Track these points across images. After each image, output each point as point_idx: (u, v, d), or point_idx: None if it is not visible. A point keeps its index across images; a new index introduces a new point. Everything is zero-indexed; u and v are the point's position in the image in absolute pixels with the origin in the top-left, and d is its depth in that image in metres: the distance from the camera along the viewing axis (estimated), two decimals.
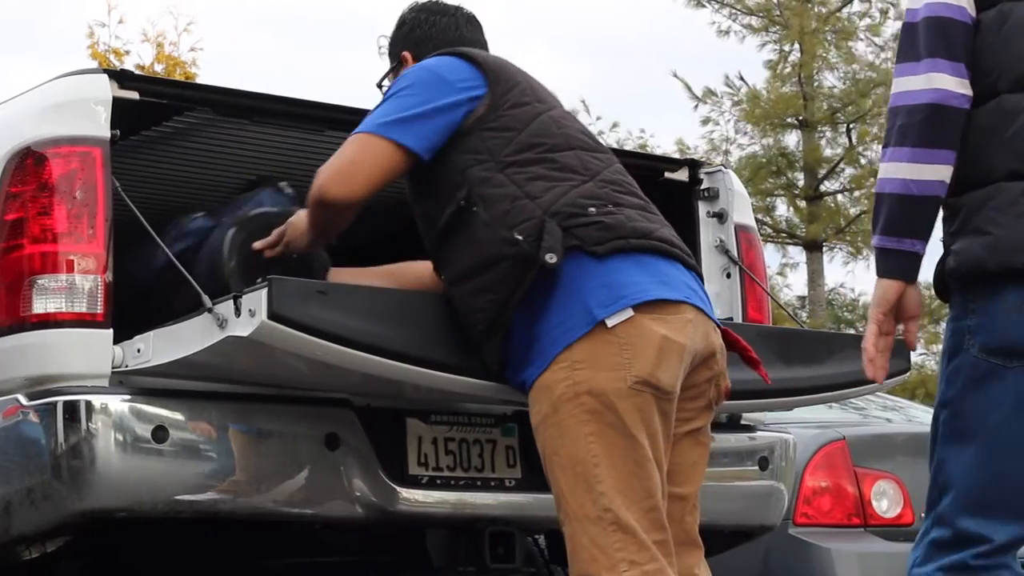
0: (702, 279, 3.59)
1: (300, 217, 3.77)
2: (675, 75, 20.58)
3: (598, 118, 20.25)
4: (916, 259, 3.08)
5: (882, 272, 3.10)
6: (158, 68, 14.85)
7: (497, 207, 3.40)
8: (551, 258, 3.30)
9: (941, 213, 3.09)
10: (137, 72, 10.74)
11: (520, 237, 3.34)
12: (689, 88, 19.77)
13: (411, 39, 3.87)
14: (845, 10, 19.50)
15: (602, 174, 3.52)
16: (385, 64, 3.93)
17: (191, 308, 3.50)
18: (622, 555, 3.24)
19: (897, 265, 3.08)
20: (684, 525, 3.46)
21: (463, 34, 3.86)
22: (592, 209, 3.40)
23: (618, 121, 20.21)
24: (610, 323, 3.29)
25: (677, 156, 16.50)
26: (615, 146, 17.47)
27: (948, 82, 3.04)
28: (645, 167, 4.73)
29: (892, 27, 18.66)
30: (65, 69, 3.88)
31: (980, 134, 3.04)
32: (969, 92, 3.05)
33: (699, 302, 3.44)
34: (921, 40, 3.07)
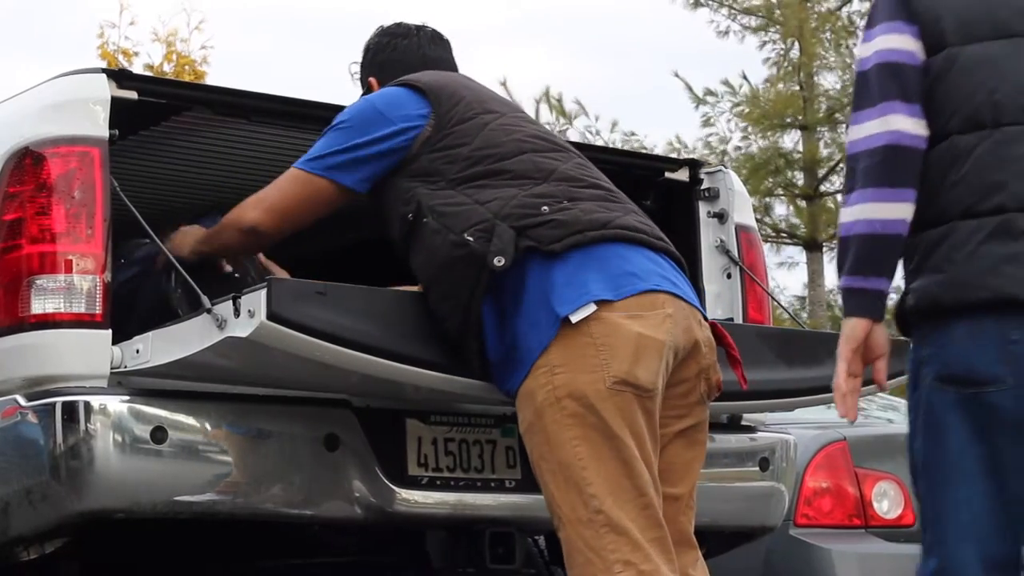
0: (680, 263, 3.57)
1: (185, 234, 3.88)
2: (676, 75, 20.53)
3: (596, 118, 20.20)
4: (883, 297, 3.13)
5: (850, 311, 3.15)
6: (168, 68, 14.82)
7: (446, 215, 3.44)
8: (498, 261, 3.32)
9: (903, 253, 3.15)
10: (136, 72, 10.74)
11: (470, 239, 3.36)
12: (690, 88, 19.76)
13: (375, 64, 3.95)
14: (844, 9, 19.48)
15: (557, 172, 3.53)
16: (359, 90, 3.97)
17: (141, 328, 3.59)
18: (616, 556, 3.24)
19: (864, 304, 3.12)
20: (678, 525, 3.44)
21: (426, 54, 3.91)
22: (545, 208, 3.41)
23: (617, 120, 20.15)
24: (574, 319, 3.29)
25: (674, 156, 16.51)
26: (616, 146, 17.50)
27: (903, 123, 3.10)
28: (645, 167, 4.74)
29: None
30: (71, 69, 3.87)
31: (934, 174, 3.11)
32: (925, 132, 3.10)
33: (673, 288, 3.42)
34: (874, 85, 3.13)
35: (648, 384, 3.32)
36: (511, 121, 3.65)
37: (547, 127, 3.82)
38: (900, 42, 3.14)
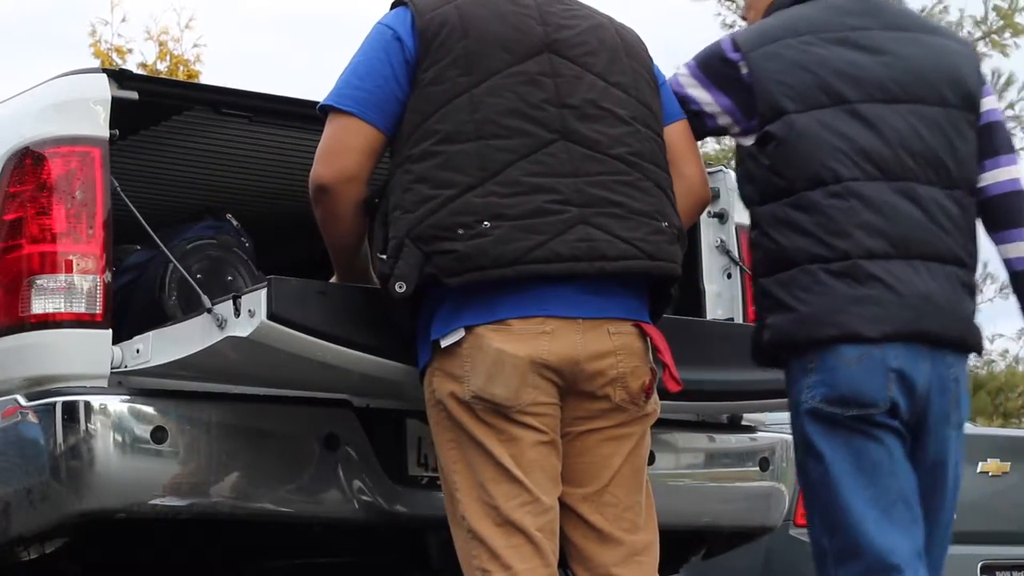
0: (628, 282, 3.31)
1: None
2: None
3: None
4: None
5: None
6: (161, 67, 14.81)
7: (381, 211, 3.27)
8: (400, 287, 3.17)
9: (756, 290, 3.56)
10: (137, 71, 10.73)
11: (383, 257, 3.22)
12: None
13: None
14: None
15: (502, 174, 3.19)
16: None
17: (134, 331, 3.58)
18: (477, 563, 3.23)
19: None
20: (593, 524, 3.32)
21: None
22: (460, 230, 3.15)
23: None
24: (444, 344, 3.20)
25: None
26: None
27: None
28: None
29: None
30: (67, 68, 3.88)
31: (783, 226, 3.48)
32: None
33: (567, 312, 3.20)
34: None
35: (505, 400, 3.19)
36: (493, 87, 3.24)
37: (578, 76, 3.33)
38: (704, 98, 3.61)
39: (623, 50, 3.43)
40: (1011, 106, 17.01)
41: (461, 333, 3.19)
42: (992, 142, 3.66)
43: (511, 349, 3.17)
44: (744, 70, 3.54)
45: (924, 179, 3.50)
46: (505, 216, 3.17)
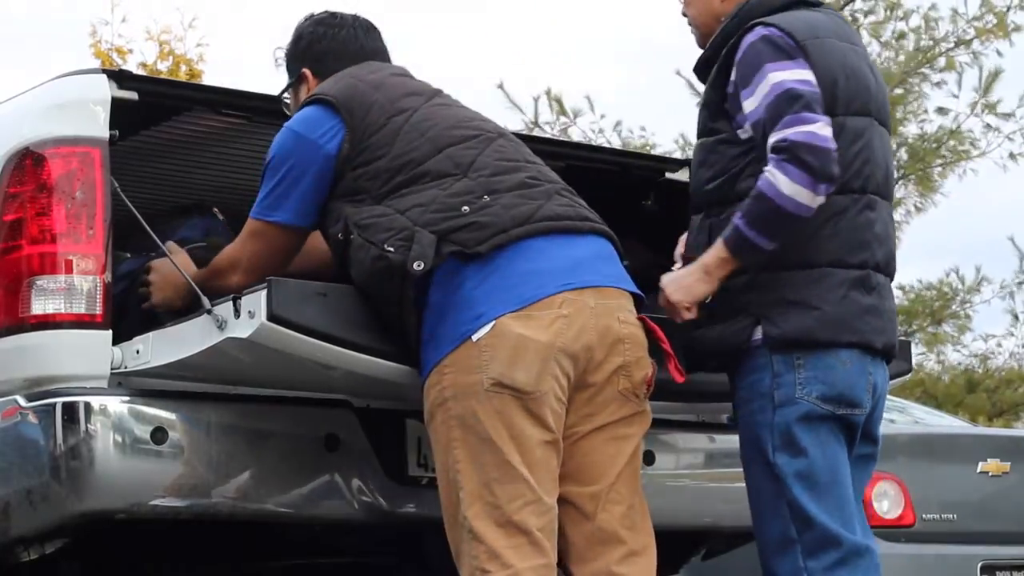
0: (612, 240, 3.53)
1: (163, 268, 3.81)
2: (678, 73, 20.53)
3: (602, 116, 20.18)
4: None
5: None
6: (162, 66, 14.82)
7: (368, 227, 3.40)
8: (418, 266, 3.28)
9: (749, 280, 3.52)
10: (137, 72, 10.72)
11: (390, 250, 3.32)
12: (692, 86, 19.73)
13: (310, 55, 3.83)
14: (847, 8, 19.50)
15: (476, 163, 3.47)
16: (284, 77, 3.91)
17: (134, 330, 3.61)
18: (476, 563, 3.28)
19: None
20: (598, 523, 3.41)
21: (363, 45, 3.83)
22: (465, 208, 3.36)
23: (621, 120, 20.15)
24: (475, 338, 3.27)
25: (679, 153, 16.52)
26: (619, 146, 17.46)
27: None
28: (646, 167, 4.74)
29: (894, 25, 18.60)
30: (68, 68, 3.88)
31: (807, 224, 3.46)
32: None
33: (585, 281, 3.37)
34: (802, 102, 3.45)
35: (526, 386, 3.27)
36: (425, 115, 3.56)
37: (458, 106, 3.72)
38: (807, 75, 3.48)
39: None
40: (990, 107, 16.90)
41: (492, 324, 3.27)
42: None
43: (532, 334, 3.27)
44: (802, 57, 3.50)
45: (888, 196, 3.65)
46: (499, 190, 3.43)
